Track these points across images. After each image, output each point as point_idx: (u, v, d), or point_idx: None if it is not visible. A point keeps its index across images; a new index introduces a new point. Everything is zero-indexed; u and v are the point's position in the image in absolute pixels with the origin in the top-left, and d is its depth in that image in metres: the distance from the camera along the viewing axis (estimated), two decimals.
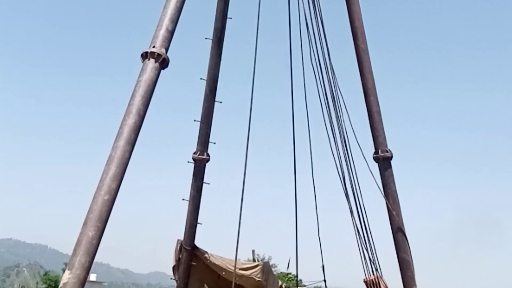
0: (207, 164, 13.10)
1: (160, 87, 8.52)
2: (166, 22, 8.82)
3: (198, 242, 13.81)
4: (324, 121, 11.95)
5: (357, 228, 11.61)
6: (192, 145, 13.06)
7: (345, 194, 11.79)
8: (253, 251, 24.36)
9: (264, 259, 49.30)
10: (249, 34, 11.83)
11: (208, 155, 13.04)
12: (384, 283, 11.51)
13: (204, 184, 13.15)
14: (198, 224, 13.47)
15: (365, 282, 11.72)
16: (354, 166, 11.77)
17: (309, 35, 11.77)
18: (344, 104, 11.71)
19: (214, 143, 13.01)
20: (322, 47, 11.76)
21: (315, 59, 11.79)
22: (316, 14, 11.72)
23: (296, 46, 11.96)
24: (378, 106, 11.42)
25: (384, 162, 11.25)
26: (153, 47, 8.56)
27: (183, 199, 13.25)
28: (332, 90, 11.81)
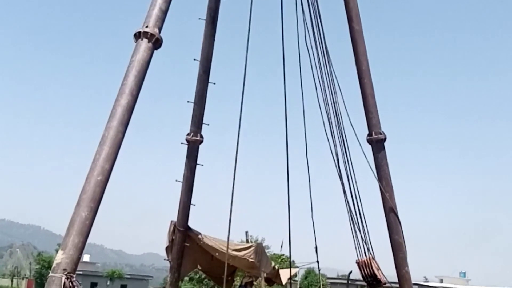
0: (200, 146, 13.08)
1: (153, 68, 8.47)
2: (159, 1, 8.73)
3: (191, 223, 13.85)
4: (319, 103, 11.94)
5: (350, 210, 11.67)
6: (186, 127, 13.02)
7: (339, 176, 11.83)
8: (246, 233, 24.55)
9: (257, 240, 49.58)
10: (244, 14, 11.75)
11: (201, 136, 13.00)
12: (376, 264, 11.60)
13: (197, 165, 13.15)
14: (191, 206, 13.48)
15: (358, 263, 11.81)
16: (348, 148, 11.80)
17: (304, 17, 11.70)
18: (339, 86, 11.70)
19: (208, 125, 12.97)
20: (317, 29, 11.70)
21: (309, 40, 11.74)
22: None
23: (291, 28, 11.90)
24: (372, 89, 11.41)
25: (377, 144, 11.28)
26: (146, 27, 8.49)
27: (176, 181, 13.24)
28: (326, 72, 11.78)
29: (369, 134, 11.32)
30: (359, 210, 11.59)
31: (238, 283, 17.77)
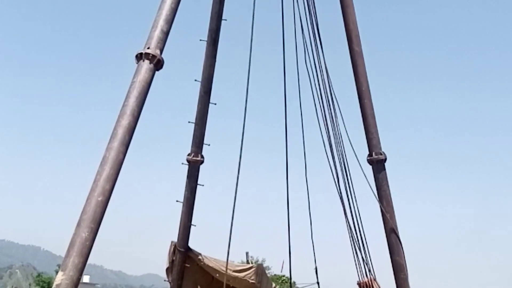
0: (201, 166, 13.09)
1: (154, 88, 8.52)
2: (161, 23, 8.80)
3: (192, 244, 13.80)
4: (319, 123, 11.97)
5: (350, 230, 11.62)
6: (187, 147, 13.05)
7: (339, 197, 11.80)
8: (246, 253, 24.38)
9: (257, 261, 49.25)
10: (244, 35, 11.86)
11: (202, 157, 13.03)
12: (378, 285, 11.52)
13: (198, 186, 13.14)
14: (192, 226, 13.45)
15: (359, 284, 11.72)
16: (348, 168, 11.80)
17: (304, 38, 11.80)
18: (339, 106, 11.74)
19: (209, 145, 13.01)
20: (317, 50, 11.79)
21: (309, 61, 11.82)
22: (311, 17, 11.75)
23: (291, 49, 12.00)
24: (372, 109, 11.44)
25: (378, 164, 11.27)
26: (148, 48, 8.54)
27: (177, 201, 13.23)
28: (326, 92, 11.83)
29: (370, 155, 11.32)
30: (359, 230, 11.55)
31: None
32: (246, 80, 11.83)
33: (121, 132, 7.85)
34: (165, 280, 14.59)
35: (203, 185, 13.17)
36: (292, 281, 19.10)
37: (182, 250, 13.62)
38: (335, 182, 11.84)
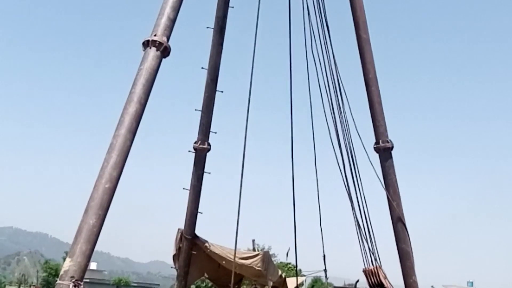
0: (208, 154, 13.11)
1: (161, 76, 8.52)
2: (168, 10, 8.78)
3: (198, 231, 13.86)
4: (325, 111, 11.94)
5: (357, 218, 11.64)
6: (193, 135, 13.06)
7: (346, 184, 11.80)
8: (253, 241, 24.56)
9: (264, 248, 49.45)
10: (251, 23, 11.80)
11: (209, 144, 13.03)
12: (383, 273, 11.55)
13: (204, 173, 13.17)
14: (198, 213, 13.50)
15: (364, 272, 11.76)
16: (354, 156, 11.78)
17: (311, 24, 11.74)
18: (345, 94, 11.70)
19: (215, 133, 13.01)
20: (324, 37, 11.73)
21: (317, 48, 11.77)
22: (319, 4, 11.69)
23: (298, 36, 11.94)
24: (379, 97, 11.41)
25: (384, 152, 11.26)
26: (155, 35, 8.53)
27: (183, 189, 13.27)
28: (333, 79, 11.79)
29: (376, 142, 11.30)
30: (366, 218, 11.56)
31: None
32: (251, 67, 11.79)
33: (128, 119, 7.87)
34: (172, 267, 14.68)
35: (209, 173, 13.20)
36: (298, 269, 19.18)
37: (189, 237, 13.68)
38: (341, 170, 11.84)
